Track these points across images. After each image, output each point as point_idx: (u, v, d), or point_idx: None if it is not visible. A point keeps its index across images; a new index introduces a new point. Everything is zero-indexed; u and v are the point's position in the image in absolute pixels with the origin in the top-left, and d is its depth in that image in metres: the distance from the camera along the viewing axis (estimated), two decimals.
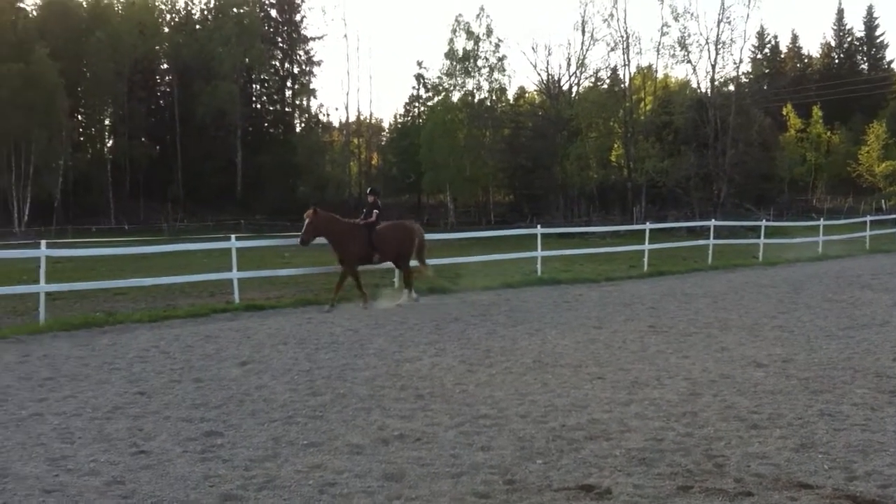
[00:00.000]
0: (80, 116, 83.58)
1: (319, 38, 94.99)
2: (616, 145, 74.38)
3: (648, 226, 25.80)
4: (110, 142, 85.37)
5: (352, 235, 16.26)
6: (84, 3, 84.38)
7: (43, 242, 15.24)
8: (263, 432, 7.01)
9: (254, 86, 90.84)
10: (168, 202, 77.63)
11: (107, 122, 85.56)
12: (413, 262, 17.23)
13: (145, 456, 6.35)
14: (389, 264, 17.52)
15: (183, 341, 12.05)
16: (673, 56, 71.23)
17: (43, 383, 9.16)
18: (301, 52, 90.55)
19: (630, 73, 75.69)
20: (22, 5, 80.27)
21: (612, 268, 24.23)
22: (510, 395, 8.31)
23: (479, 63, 77.19)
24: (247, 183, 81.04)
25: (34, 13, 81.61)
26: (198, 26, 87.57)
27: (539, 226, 22.32)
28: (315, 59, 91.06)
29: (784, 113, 79.45)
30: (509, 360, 10.27)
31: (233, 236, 17.82)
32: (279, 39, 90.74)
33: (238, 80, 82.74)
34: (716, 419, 7.29)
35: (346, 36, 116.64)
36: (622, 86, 75.40)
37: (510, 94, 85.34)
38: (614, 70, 77.51)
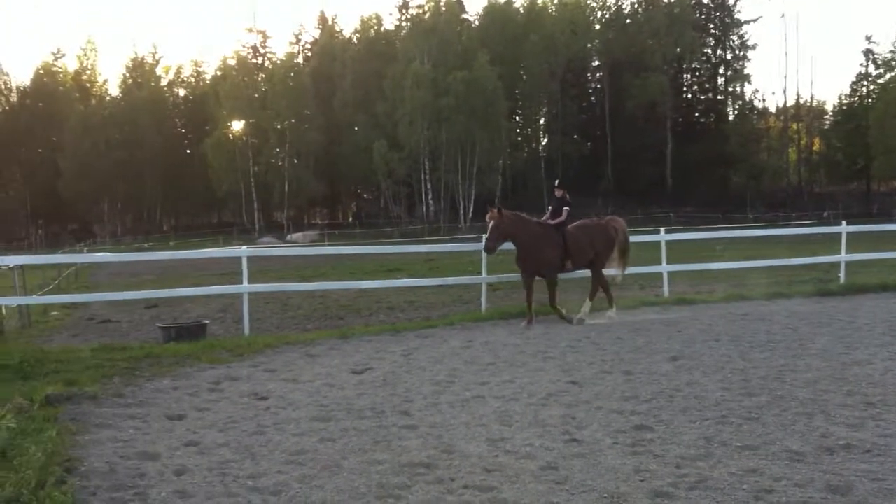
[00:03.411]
0: (517, 118, 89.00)
1: (754, 20, 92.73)
2: None
3: None
4: (544, 140, 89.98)
5: (546, 239, 13.76)
6: (520, 9, 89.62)
7: (484, 237, 16.36)
8: (695, 430, 6.79)
9: (684, 75, 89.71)
10: (598, 196, 79.65)
11: (541, 121, 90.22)
12: (613, 271, 14.68)
13: (577, 444, 6.47)
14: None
15: (613, 333, 12.18)
16: None
17: (485, 367, 9.80)
18: (734, 37, 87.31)
19: None
20: (466, 16, 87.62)
21: None
22: None
23: None
24: (677, 174, 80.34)
25: (476, 23, 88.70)
26: (628, 20, 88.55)
27: None
28: (749, 42, 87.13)
29: None
30: None
31: (662, 229, 17.66)
32: (711, 26, 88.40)
33: (668, 70, 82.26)
34: None
35: (783, 15, 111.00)
36: None
37: None
38: None
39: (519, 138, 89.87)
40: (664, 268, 16.76)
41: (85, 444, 6.76)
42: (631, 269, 18.24)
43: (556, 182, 15.16)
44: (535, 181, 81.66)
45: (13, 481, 3.81)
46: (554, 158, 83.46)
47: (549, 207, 14.42)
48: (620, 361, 9.90)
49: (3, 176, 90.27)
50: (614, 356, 10.27)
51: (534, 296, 13.67)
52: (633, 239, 20.10)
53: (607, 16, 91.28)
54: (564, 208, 13.98)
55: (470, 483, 5.63)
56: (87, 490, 5.58)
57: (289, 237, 70.98)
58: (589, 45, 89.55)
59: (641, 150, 79.98)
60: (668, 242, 16.88)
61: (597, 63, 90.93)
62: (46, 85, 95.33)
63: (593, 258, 14.10)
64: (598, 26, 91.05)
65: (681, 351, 10.47)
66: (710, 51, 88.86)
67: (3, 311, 14.76)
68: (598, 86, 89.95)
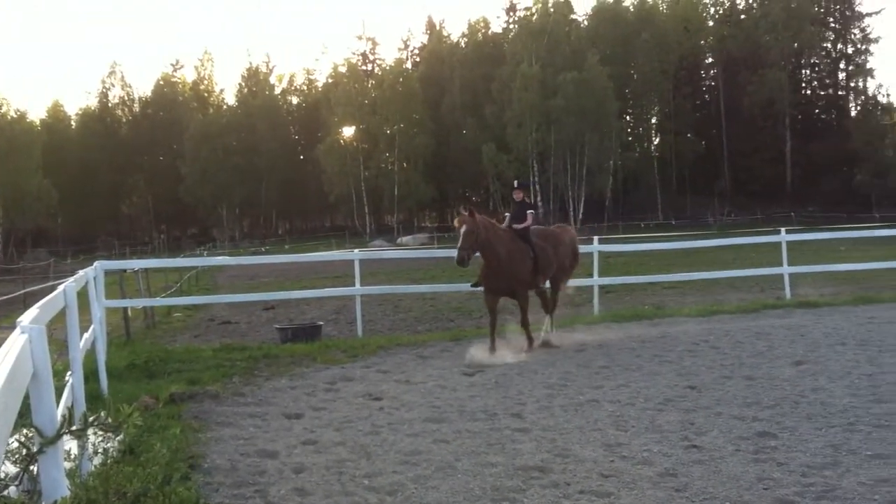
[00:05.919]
0: (628, 117, 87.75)
1: (876, 12, 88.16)
2: None
3: None
4: (657, 139, 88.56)
5: (521, 251, 11.50)
6: (631, 7, 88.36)
7: (595, 238, 16.17)
8: (821, 438, 6.51)
9: (803, 71, 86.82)
10: (715, 196, 77.84)
11: (653, 120, 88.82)
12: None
13: (697, 451, 6.30)
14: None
15: (732, 337, 11.83)
16: None
17: (599, 371, 9.67)
18: (855, 31, 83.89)
19: None
20: (575, 17, 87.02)
21: None
22: None
23: None
24: (797, 174, 77.74)
25: (585, 23, 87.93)
26: (743, 16, 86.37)
27: None
28: (871, 36, 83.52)
29: None
30: None
31: (782, 230, 17.11)
32: (830, 20, 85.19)
33: (786, 66, 79.71)
34: None
35: None
36: None
37: None
38: None
39: (630, 138, 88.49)
40: (785, 269, 16.22)
41: (207, 441, 6.99)
42: (750, 271, 17.76)
43: (515, 183, 12.90)
44: (648, 180, 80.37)
45: (141, 477, 3.95)
46: (667, 158, 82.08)
47: (507, 214, 12.30)
48: (741, 366, 9.61)
49: (128, 183, 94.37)
50: (734, 360, 9.97)
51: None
52: (753, 240, 19.65)
53: (721, 12, 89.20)
54: (529, 212, 11.85)
55: (586, 488, 5.55)
56: (211, 486, 5.77)
57: (399, 240, 71.81)
58: (702, 42, 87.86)
59: (759, 148, 77.81)
60: (789, 243, 16.34)
61: (711, 60, 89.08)
62: (166, 95, 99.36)
63: (562, 269, 12.43)
64: (711, 23, 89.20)
65: (804, 355, 10.08)
66: (829, 45, 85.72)
67: (130, 312, 15.37)
68: (713, 83, 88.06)
